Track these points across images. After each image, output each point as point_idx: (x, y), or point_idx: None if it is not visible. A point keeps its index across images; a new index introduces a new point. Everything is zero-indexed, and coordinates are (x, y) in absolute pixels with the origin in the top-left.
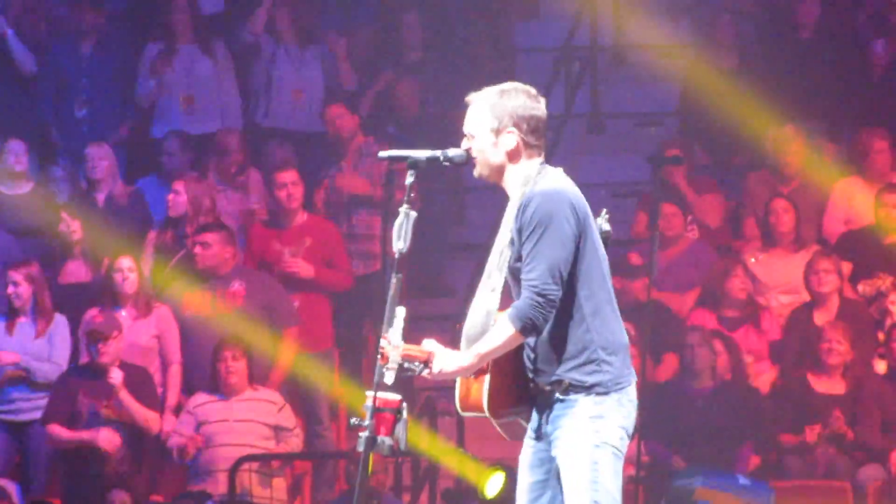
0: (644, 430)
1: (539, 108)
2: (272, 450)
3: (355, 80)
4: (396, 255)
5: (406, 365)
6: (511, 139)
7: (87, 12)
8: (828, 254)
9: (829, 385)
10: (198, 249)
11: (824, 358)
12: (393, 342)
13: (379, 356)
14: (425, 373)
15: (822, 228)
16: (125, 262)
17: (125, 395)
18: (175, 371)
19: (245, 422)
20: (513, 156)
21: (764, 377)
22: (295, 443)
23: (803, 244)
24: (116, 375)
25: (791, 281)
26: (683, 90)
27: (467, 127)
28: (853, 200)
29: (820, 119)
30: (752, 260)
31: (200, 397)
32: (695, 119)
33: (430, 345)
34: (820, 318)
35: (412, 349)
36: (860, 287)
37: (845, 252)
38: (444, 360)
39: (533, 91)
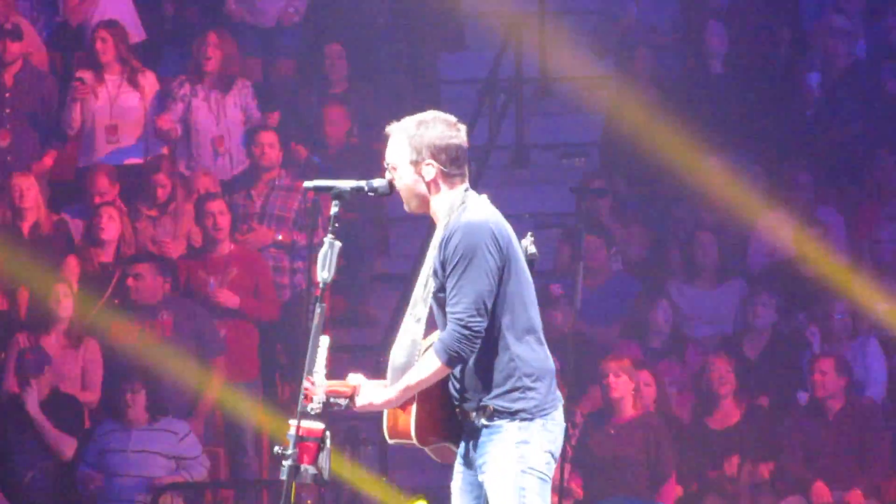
0: (570, 461)
1: (458, 136)
2: (197, 479)
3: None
4: (321, 285)
5: (332, 400)
6: (430, 170)
7: (8, 42)
8: (767, 287)
9: (723, 418)
10: (130, 281)
11: (715, 388)
12: (317, 383)
13: (302, 397)
14: (351, 407)
15: (747, 261)
16: (61, 287)
17: (38, 415)
18: (88, 399)
19: (141, 452)
20: (434, 186)
21: (687, 408)
22: (199, 471)
23: (726, 276)
24: (29, 393)
25: (715, 313)
26: (608, 122)
27: (388, 159)
28: (777, 233)
29: (746, 150)
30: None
31: (107, 425)
32: (619, 151)
33: (355, 379)
34: (750, 350)
35: (337, 385)
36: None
37: (769, 285)
38: (370, 393)
39: (452, 120)
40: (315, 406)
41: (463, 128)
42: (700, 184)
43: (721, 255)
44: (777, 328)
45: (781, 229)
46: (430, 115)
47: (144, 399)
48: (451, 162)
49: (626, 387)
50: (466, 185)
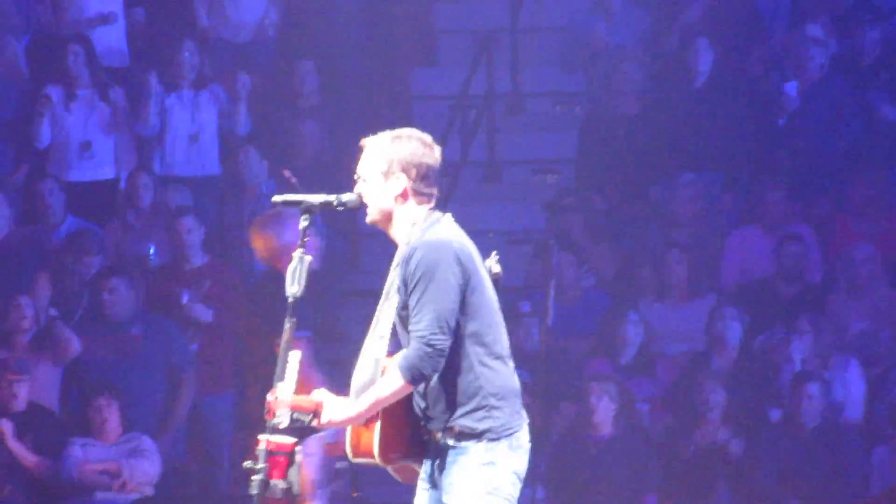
0: (546, 480)
1: (431, 155)
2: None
3: (250, 123)
4: (290, 300)
5: (295, 416)
6: (399, 184)
7: None
8: (732, 302)
9: (710, 433)
10: (105, 295)
11: (703, 407)
12: (280, 398)
13: (265, 411)
14: (314, 423)
15: (719, 277)
16: (23, 300)
17: (14, 445)
18: None
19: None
20: (401, 200)
21: (660, 425)
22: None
23: (698, 293)
24: (5, 424)
25: (686, 329)
26: (580, 138)
27: (359, 170)
28: (749, 250)
29: (717, 167)
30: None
31: (78, 441)
32: (591, 167)
33: (319, 395)
34: (719, 366)
35: (301, 400)
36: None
37: (743, 301)
38: (332, 410)
39: (428, 139)
40: (278, 421)
41: (437, 149)
42: (672, 200)
43: (692, 271)
44: (748, 345)
45: (754, 245)
46: (407, 131)
47: (118, 413)
48: (421, 179)
49: (608, 408)
50: (432, 204)
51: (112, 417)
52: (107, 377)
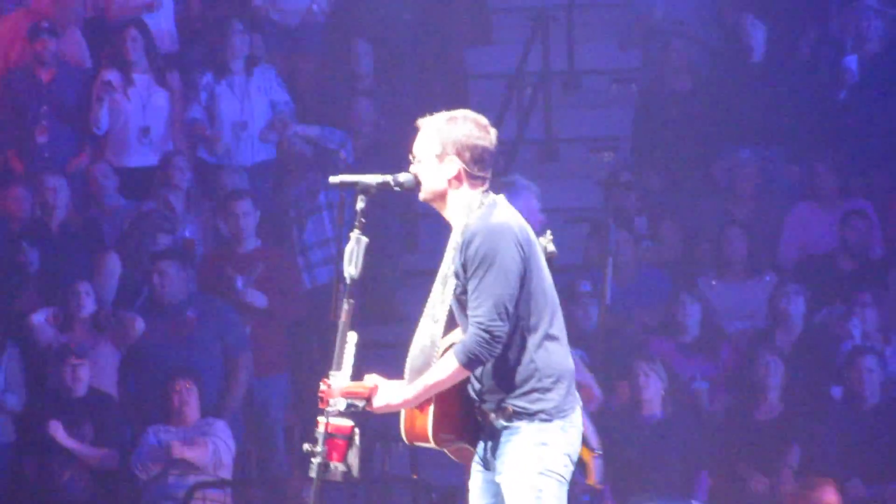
0: (602, 457)
1: (486, 138)
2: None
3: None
4: (347, 281)
5: (350, 402)
6: (453, 166)
7: (45, 39)
8: (796, 278)
9: (768, 409)
10: (156, 278)
11: (762, 381)
12: (334, 385)
13: (319, 400)
14: (368, 408)
15: (778, 253)
16: (82, 286)
17: (70, 444)
18: None
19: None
20: (455, 183)
21: (721, 403)
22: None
23: (757, 270)
24: (55, 427)
25: (746, 307)
26: (637, 115)
27: (415, 150)
28: (808, 226)
29: (776, 142)
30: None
31: (156, 426)
32: (648, 144)
33: (372, 380)
34: (783, 343)
35: (354, 386)
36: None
37: (802, 277)
38: (387, 394)
39: (483, 121)
40: (330, 410)
41: (493, 131)
42: (730, 176)
43: (751, 248)
44: (810, 321)
45: (813, 221)
46: (462, 113)
47: (197, 398)
48: (475, 162)
49: (656, 386)
50: (486, 187)
51: (192, 402)
52: (174, 361)
